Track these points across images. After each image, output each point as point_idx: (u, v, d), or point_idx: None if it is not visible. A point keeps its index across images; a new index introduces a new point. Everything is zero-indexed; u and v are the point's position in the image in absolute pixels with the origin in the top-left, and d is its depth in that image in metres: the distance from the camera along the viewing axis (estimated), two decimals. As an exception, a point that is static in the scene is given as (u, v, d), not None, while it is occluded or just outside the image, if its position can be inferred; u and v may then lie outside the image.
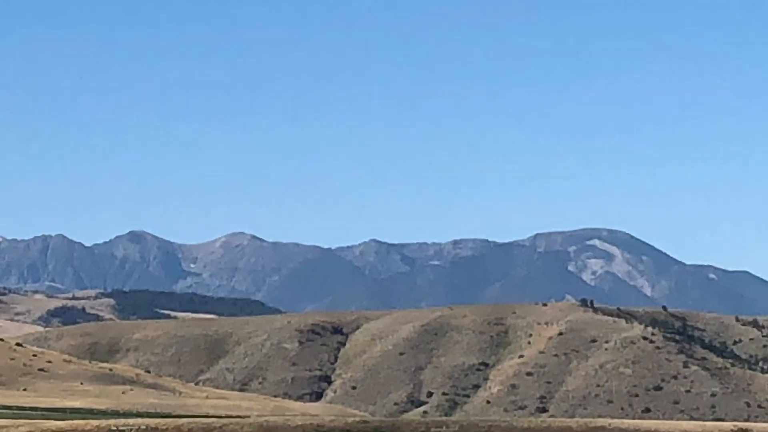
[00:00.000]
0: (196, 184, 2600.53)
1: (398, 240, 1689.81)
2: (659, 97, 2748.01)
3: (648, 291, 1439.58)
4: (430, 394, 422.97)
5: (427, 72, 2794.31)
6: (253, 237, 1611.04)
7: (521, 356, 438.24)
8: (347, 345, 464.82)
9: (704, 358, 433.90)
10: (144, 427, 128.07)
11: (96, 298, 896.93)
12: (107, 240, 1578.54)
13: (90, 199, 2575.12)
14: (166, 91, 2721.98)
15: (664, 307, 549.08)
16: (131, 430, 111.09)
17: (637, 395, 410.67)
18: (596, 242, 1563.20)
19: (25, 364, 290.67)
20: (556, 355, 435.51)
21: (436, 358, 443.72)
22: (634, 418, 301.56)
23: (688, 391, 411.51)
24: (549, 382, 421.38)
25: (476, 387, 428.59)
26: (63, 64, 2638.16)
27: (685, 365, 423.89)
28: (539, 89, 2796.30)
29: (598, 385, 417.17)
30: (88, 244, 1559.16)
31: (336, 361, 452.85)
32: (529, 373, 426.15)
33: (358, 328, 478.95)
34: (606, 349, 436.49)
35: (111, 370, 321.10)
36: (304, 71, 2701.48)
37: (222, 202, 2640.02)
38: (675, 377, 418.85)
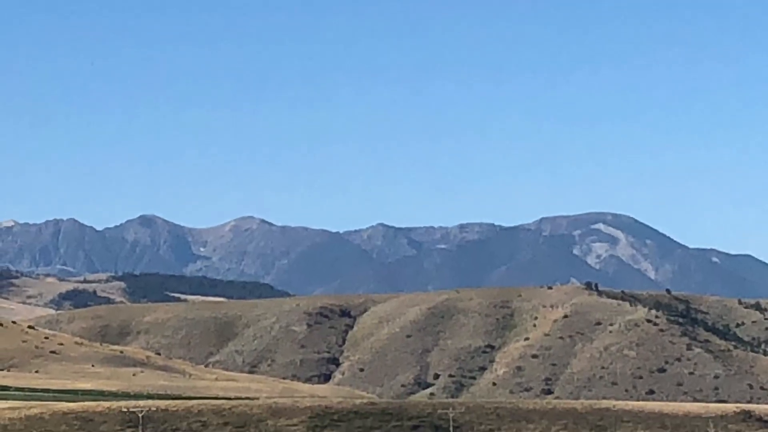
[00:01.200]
0: (206, 169, 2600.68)
1: (405, 224, 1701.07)
2: (663, 83, 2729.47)
3: (652, 274, 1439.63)
4: (436, 376, 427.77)
5: (433, 58, 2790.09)
6: (262, 221, 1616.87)
7: (527, 339, 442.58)
8: (355, 328, 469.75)
9: (707, 341, 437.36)
10: (154, 408, 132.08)
11: (107, 281, 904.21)
12: (118, 224, 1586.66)
13: (101, 183, 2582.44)
14: (176, 77, 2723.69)
15: (668, 291, 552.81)
16: (142, 411, 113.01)
17: (641, 377, 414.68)
18: (601, 226, 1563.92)
19: (37, 347, 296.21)
20: (561, 338, 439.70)
21: (442, 341, 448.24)
22: (638, 400, 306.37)
23: (691, 373, 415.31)
24: (554, 365, 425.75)
25: (482, 369, 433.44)
26: (75, 50, 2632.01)
27: (689, 347, 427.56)
28: (544, 75, 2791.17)
29: (602, 367, 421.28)
30: (99, 228, 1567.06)
31: (344, 343, 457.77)
32: (534, 356, 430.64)
33: (365, 311, 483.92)
34: (610, 332, 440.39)
35: (122, 352, 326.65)
36: (312, 58, 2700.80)
37: (231, 186, 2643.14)
38: (678, 359, 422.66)
